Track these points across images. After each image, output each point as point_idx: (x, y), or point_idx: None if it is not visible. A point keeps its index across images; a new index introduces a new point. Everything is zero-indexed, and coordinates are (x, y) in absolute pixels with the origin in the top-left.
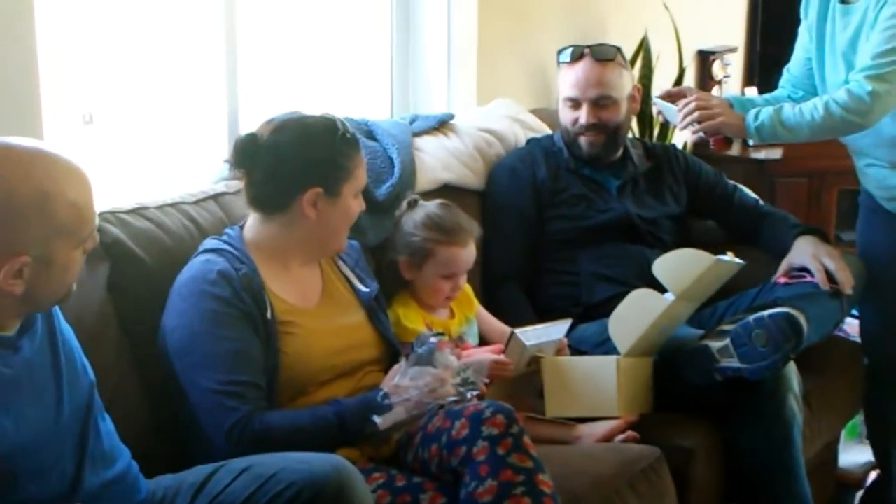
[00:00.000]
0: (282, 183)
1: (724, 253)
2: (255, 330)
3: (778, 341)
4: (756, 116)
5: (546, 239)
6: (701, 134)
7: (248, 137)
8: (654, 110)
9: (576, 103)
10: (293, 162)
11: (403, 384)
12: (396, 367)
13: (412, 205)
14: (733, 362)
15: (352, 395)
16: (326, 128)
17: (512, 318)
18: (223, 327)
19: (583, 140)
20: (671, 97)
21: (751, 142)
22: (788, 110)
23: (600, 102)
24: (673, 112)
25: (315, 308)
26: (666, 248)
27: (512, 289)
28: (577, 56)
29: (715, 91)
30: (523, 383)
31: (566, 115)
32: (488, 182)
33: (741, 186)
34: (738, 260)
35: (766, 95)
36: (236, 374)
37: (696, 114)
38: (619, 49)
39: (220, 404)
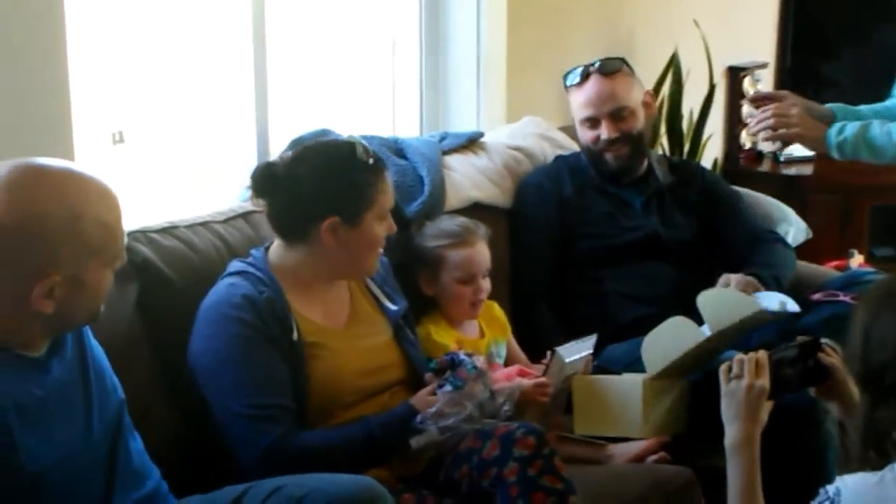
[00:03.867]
0: (300, 214)
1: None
2: (281, 353)
3: None
4: (840, 131)
5: (573, 258)
6: (778, 143)
7: (265, 167)
8: (743, 111)
9: (594, 121)
10: (311, 194)
11: (439, 401)
12: (430, 387)
13: (421, 226)
14: None
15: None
16: (345, 156)
17: (544, 339)
18: (250, 352)
19: (608, 156)
20: (759, 100)
21: (836, 155)
22: (876, 129)
23: (618, 115)
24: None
25: (343, 329)
26: (689, 267)
27: (544, 310)
28: (585, 76)
29: (746, 107)
30: (557, 401)
31: (586, 136)
32: (515, 199)
33: (755, 216)
34: (793, 309)
35: (876, 105)
36: (266, 397)
37: (770, 121)
38: (623, 59)
39: (251, 428)
